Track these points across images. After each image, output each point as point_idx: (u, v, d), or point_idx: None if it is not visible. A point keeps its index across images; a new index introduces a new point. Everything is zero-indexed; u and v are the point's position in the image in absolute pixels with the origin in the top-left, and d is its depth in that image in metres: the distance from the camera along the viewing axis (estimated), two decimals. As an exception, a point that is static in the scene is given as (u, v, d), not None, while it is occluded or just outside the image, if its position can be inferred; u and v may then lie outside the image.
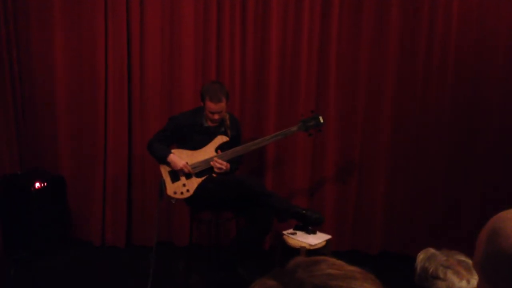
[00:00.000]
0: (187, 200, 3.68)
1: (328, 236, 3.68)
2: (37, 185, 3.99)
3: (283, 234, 3.68)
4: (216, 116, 3.55)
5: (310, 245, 3.54)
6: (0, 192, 4.05)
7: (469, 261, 1.67)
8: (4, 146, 4.14)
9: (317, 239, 3.62)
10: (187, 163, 3.59)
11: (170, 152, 3.61)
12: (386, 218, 4.36)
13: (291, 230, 3.71)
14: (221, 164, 3.54)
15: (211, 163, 3.56)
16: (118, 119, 4.24)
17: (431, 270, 1.65)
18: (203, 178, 3.61)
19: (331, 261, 0.78)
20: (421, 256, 1.73)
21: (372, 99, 4.22)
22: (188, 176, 3.61)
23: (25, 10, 4.15)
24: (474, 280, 1.59)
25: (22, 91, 4.28)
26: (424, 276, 1.67)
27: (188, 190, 3.60)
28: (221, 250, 3.98)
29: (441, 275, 1.63)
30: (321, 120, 3.62)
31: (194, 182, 3.60)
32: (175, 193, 3.62)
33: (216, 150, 3.63)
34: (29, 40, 4.21)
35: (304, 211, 3.47)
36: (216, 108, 3.50)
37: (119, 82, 4.19)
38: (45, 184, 4.05)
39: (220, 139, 3.65)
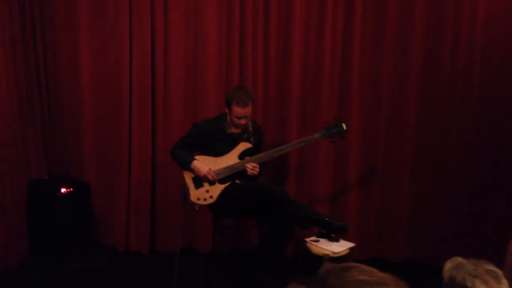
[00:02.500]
0: (210, 206, 3.70)
1: (351, 244, 3.65)
2: (62, 190, 4.05)
3: (306, 242, 3.67)
4: (243, 121, 3.57)
5: (333, 252, 3.51)
6: (27, 197, 4.12)
7: (498, 270, 1.65)
8: (31, 152, 4.20)
9: (340, 247, 3.59)
10: (210, 169, 3.61)
11: (194, 159, 3.64)
12: (411, 226, 4.31)
13: (314, 238, 3.70)
14: (254, 167, 3.55)
15: (245, 165, 3.57)
16: (142, 126, 4.29)
17: (458, 279, 1.64)
18: (226, 184, 3.63)
19: (362, 267, 0.78)
20: (448, 265, 1.72)
21: (395, 103, 4.19)
22: (212, 182, 3.63)
23: (51, 17, 4.23)
24: (503, 289, 1.57)
25: (49, 98, 4.36)
26: (452, 285, 1.66)
27: (211, 196, 3.62)
28: (243, 256, 3.98)
29: (469, 285, 1.61)
30: (344, 127, 3.61)
31: (218, 189, 3.62)
32: (198, 199, 3.64)
33: (239, 157, 3.65)
34: (55, 48, 4.29)
35: (327, 218, 3.47)
36: (243, 113, 3.53)
37: (143, 89, 4.24)
38: (71, 189, 4.11)
39: (244, 145, 3.66)
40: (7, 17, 3.85)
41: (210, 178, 3.59)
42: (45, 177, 4.26)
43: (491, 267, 1.66)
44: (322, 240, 3.66)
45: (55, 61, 4.32)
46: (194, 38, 4.19)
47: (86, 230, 4.30)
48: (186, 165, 3.65)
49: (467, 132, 4.10)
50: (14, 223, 3.96)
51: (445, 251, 3.89)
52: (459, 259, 1.71)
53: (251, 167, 3.56)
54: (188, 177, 3.68)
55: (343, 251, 3.57)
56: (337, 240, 3.66)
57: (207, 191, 3.63)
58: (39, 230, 4.12)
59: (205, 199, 3.63)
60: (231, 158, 3.64)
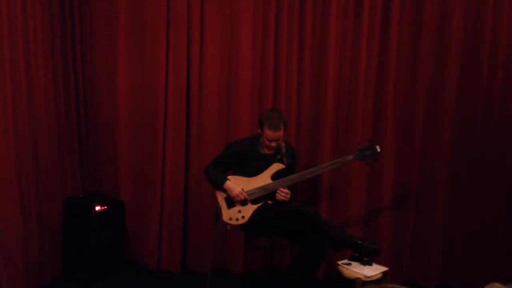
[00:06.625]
0: (242, 226, 3.71)
1: (384, 268, 3.58)
2: (97, 208, 4.11)
3: (338, 265, 3.62)
4: (273, 144, 3.59)
5: (366, 276, 3.46)
6: (63, 214, 4.20)
7: (538, 298, 1.61)
8: (68, 171, 4.31)
9: (373, 271, 3.53)
10: (242, 189, 3.62)
11: (227, 179, 3.66)
12: (446, 250, 4.22)
13: (346, 261, 3.65)
14: (286, 194, 3.56)
15: (277, 190, 3.58)
16: (176, 145, 4.34)
17: (497, 306, 1.60)
18: (258, 205, 3.63)
19: None
20: (486, 290, 1.68)
21: (430, 125, 4.13)
22: (244, 202, 3.64)
23: (90, 34, 4.35)
24: (543, 317, 1.53)
25: (86, 117, 4.46)
26: (490, 312, 1.62)
27: (243, 217, 3.63)
28: (275, 277, 3.95)
29: (508, 312, 1.57)
30: (378, 150, 3.59)
31: (250, 209, 3.63)
32: (230, 219, 3.65)
33: (272, 178, 3.65)
34: (93, 66, 4.40)
35: (360, 241, 3.43)
36: (274, 136, 3.55)
37: (177, 109, 4.30)
38: (105, 207, 4.17)
39: (276, 166, 3.67)
40: (49, 34, 3.98)
41: (242, 198, 3.60)
42: (81, 195, 4.34)
43: (531, 294, 1.62)
44: (354, 263, 3.61)
45: (93, 80, 4.42)
46: (228, 58, 4.24)
47: (119, 248, 4.34)
48: (219, 185, 3.67)
49: (505, 155, 4.01)
50: (49, 240, 4.04)
51: (482, 276, 3.80)
52: (498, 285, 1.67)
53: (284, 194, 3.57)
54: (220, 196, 3.70)
55: (376, 275, 3.50)
56: (370, 264, 3.60)
57: (239, 211, 3.64)
58: (73, 247, 4.19)
59: (237, 219, 3.64)
60: (263, 179, 3.65)
